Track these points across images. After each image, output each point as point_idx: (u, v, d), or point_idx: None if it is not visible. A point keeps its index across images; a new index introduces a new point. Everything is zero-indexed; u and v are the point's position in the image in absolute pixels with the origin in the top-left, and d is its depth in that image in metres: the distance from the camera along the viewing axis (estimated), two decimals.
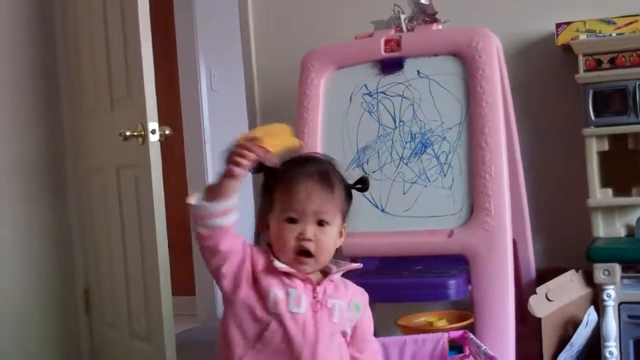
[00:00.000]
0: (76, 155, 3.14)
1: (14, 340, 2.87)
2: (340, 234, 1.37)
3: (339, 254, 1.40)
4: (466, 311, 2.03)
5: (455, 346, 1.71)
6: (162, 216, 2.56)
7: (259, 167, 1.32)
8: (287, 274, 1.31)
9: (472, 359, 1.59)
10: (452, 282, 1.82)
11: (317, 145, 2.14)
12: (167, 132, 2.58)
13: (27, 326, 2.93)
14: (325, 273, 1.37)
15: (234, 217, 1.29)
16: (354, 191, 1.39)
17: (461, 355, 1.67)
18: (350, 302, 1.37)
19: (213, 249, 1.29)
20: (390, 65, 2.15)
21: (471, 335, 1.66)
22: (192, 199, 1.30)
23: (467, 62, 2.05)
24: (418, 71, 2.12)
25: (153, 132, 2.52)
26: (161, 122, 2.58)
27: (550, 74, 2.54)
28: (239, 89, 3.30)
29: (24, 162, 2.98)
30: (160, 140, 2.56)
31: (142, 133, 2.53)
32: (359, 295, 1.42)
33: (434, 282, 1.88)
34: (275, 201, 1.33)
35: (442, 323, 2.10)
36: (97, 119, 2.98)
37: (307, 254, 1.30)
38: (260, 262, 1.32)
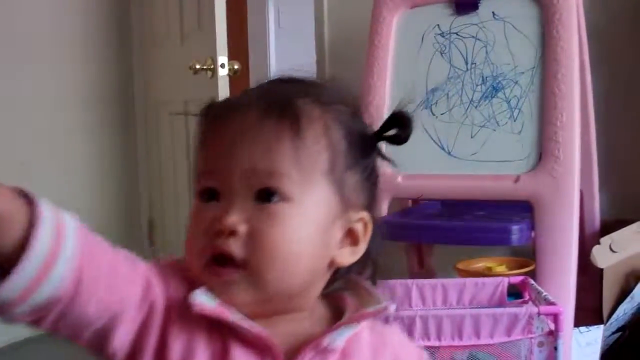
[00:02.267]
0: (145, 87, 3.19)
1: None
2: (350, 234, 0.73)
3: (357, 282, 0.79)
4: (527, 259, 2.02)
5: (515, 292, 1.72)
6: None
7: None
8: (222, 326, 0.67)
9: (532, 304, 1.59)
10: (515, 227, 1.81)
11: (386, 85, 2.12)
12: (236, 66, 2.61)
13: None
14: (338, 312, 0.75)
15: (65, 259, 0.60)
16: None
17: (520, 300, 1.67)
18: None
19: (74, 324, 0.63)
20: (465, 6, 2.11)
21: (532, 281, 1.66)
22: None
23: (544, 5, 1.99)
24: (493, 13, 2.08)
25: (222, 66, 2.55)
26: (230, 57, 2.60)
27: (629, 21, 2.46)
28: (307, 26, 3.28)
29: (95, 94, 3.04)
30: (228, 75, 2.58)
31: (212, 66, 2.56)
32: None
33: (497, 226, 1.86)
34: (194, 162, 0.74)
35: (501, 269, 2.09)
36: (167, 51, 3.01)
37: (222, 260, 0.67)
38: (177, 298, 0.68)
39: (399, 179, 1.97)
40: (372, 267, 0.81)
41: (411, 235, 2.00)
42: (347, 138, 0.73)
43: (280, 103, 0.70)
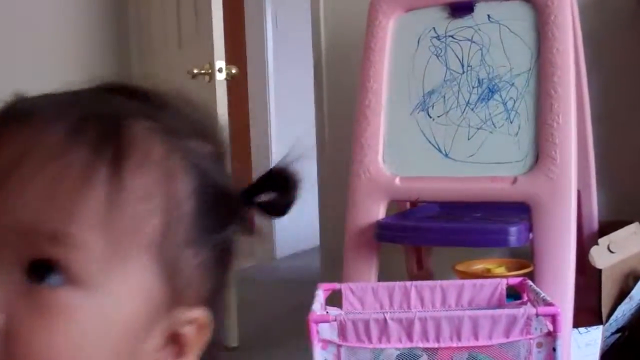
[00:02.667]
0: None
1: None
2: (174, 340, 0.48)
3: None
4: (526, 260, 2.03)
5: (513, 293, 1.72)
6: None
7: None
8: None
9: (530, 305, 1.60)
10: (513, 229, 1.82)
11: (383, 88, 2.13)
12: (233, 70, 2.62)
13: None
14: None
15: None
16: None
17: (519, 301, 1.67)
18: None
19: None
20: (460, 9, 2.12)
21: (530, 282, 1.67)
22: None
23: (539, 8, 2.00)
24: (488, 15, 2.09)
25: (220, 70, 2.56)
26: (227, 61, 2.61)
27: (623, 24, 2.47)
28: (304, 29, 3.29)
29: None
30: (226, 79, 2.59)
31: (210, 71, 2.57)
32: None
33: (495, 228, 1.87)
34: None
35: (500, 270, 2.10)
36: (165, 57, 3.02)
37: None
38: None
39: (397, 181, 1.98)
40: None
41: (409, 238, 2.00)
42: (199, 197, 0.48)
43: (100, 124, 0.45)
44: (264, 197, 0.53)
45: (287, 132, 4.27)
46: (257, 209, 0.54)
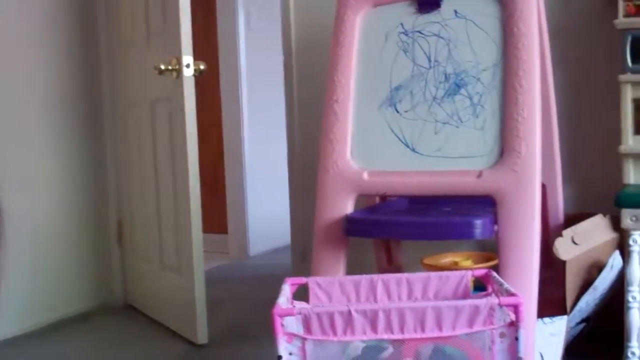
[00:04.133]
0: (112, 88, 3.18)
1: (49, 261, 2.95)
2: None
3: None
4: (492, 253, 2.04)
5: (479, 286, 1.73)
6: (194, 151, 2.60)
7: None
8: None
9: (495, 296, 1.61)
10: (478, 222, 1.83)
11: (351, 83, 2.14)
12: (201, 67, 2.60)
13: (62, 252, 3.01)
14: None
15: None
16: None
17: (484, 293, 1.69)
18: None
19: None
20: (428, 4, 2.12)
21: (494, 274, 1.68)
22: None
23: (504, 3, 2.02)
24: (455, 11, 2.10)
25: (187, 66, 2.55)
26: (198, 59, 2.59)
27: (589, 19, 2.50)
28: (276, 28, 3.29)
29: (62, 94, 3.02)
30: (194, 76, 2.58)
31: (177, 67, 2.56)
32: None
33: (460, 221, 1.88)
34: None
35: (467, 263, 2.12)
36: (133, 52, 3.01)
37: None
38: None
39: (365, 175, 1.98)
40: None
41: (377, 231, 2.01)
42: None
43: None
44: None
45: (260, 130, 4.27)
46: None
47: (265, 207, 4.29)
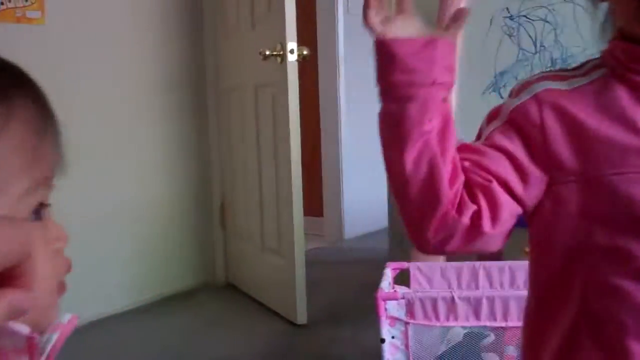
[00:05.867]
0: (216, 74, 3.26)
1: (158, 241, 3.08)
2: None
3: None
4: None
5: None
6: (297, 135, 2.64)
7: None
8: None
9: None
10: None
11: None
12: (305, 52, 2.64)
13: (170, 234, 3.13)
14: None
15: None
16: None
17: None
18: None
19: None
20: None
21: None
22: None
23: None
24: None
25: (291, 51, 2.58)
26: (298, 43, 2.63)
27: None
28: None
29: (168, 79, 3.12)
30: (297, 61, 2.62)
31: (281, 52, 2.60)
32: None
33: None
34: None
35: None
36: (237, 38, 3.07)
37: None
38: None
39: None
40: None
41: None
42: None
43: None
44: None
45: (357, 115, 4.28)
46: None
47: (361, 191, 4.31)
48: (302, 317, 2.65)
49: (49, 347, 0.49)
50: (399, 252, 2.78)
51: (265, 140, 2.87)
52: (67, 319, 0.52)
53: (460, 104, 2.08)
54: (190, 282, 3.23)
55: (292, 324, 2.67)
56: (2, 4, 2.55)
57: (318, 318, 2.71)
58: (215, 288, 3.27)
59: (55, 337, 0.49)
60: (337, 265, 3.71)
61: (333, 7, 4.19)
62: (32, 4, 2.64)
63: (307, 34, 4.10)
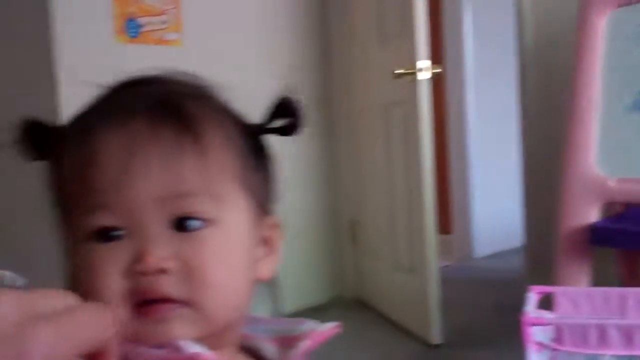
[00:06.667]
0: (346, 93, 3.30)
1: (293, 256, 3.14)
2: (266, 242, 0.65)
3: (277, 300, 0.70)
4: None
5: None
6: (429, 153, 2.64)
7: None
8: None
9: None
10: None
11: (595, 87, 2.07)
12: (436, 70, 2.64)
13: (303, 249, 3.19)
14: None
15: None
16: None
17: None
18: None
19: None
20: None
21: None
22: None
23: None
24: None
25: (423, 70, 2.59)
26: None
27: None
28: (504, 29, 3.23)
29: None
30: (429, 79, 2.62)
31: (413, 71, 2.61)
32: None
33: None
34: (69, 199, 0.58)
35: None
36: (366, 57, 3.10)
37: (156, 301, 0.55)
38: None
39: (611, 183, 1.91)
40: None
41: (627, 242, 1.93)
42: (244, 135, 0.62)
43: (168, 107, 0.58)
44: (277, 124, 0.65)
45: (486, 131, 4.23)
46: (274, 133, 0.66)
47: (491, 209, 4.25)
48: (436, 337, 2.64)
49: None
50: (536, 273, 2.72)
51: (396, 158, 2.88)
52: (328, 327, 0.67)
53: (603, 123, 2.02)
54: (321, 297, 3.28)
55: (426, 343, 2.65)
56: (143, 26, 2.69)
57: (453, 339, 2.68)
58: (346, 303, 3.30)
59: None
60: (467, 285, 3.66)
61: (460, 18, 4.16)
62: (170, 26, 2.77)
63: (434, 51, 4.09)
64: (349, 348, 2.71)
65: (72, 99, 2.39)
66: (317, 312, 3.16)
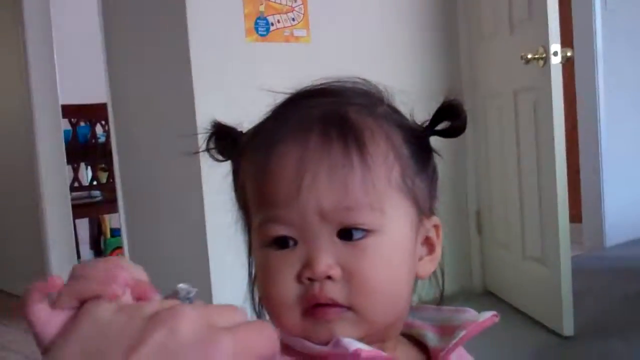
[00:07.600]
0: (472, 81, 3.25)
1: None
2: (426, 242, 0.70)
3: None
4: None
5: None
6: (561, 140, 2.56)
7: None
8: None
9: None
10: None
11: None
12: (568, 54, 2.56)
13: None
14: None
15: None
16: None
17: None
18: None
19: None
20: None
21: None
22: None
23: None
24: None
25: (555, 54, 2.51)
26: (560, 44, 2.55)
27: None
28: (637, 8, 3.09)
29: (426, 88, 3.16)
30: (561, 63, 2.54)
31: (543, 55, 2.54)
32: None
33: None
34: (249, 203, 0.67)
35: None
36: (493, 44, 3.04)
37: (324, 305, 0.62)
38: None
39: None
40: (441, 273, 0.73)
41: None
42: (407, 140, 0.66)
43: (337, 121, 0.62)
44: (442, 126, 0.68)
45: (618, 116, 4.06)
46: (440, 136, 0.69)
47: (624, 196, 4.08)
48: (568, 329, 2.56)
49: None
50: None
51: (526, 146, 2.81)
52: (486, 316, 0.72)
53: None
54: (448, 288, 3.24)
55: (558, 335, 2.58)
56: (273, 24, 2.74)
57: (585, 330, 2.60)
58: (473, 294, 3.25)
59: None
60: (599, 274, 3.54)
61: (590, 3, 4.00)
62: (299, 22, 2.80)
63: (564, 34, 3.96)
64: (479, 340, 2.68)
65: (204, 99, 2.47)
66: (445, 302, 3.14)
